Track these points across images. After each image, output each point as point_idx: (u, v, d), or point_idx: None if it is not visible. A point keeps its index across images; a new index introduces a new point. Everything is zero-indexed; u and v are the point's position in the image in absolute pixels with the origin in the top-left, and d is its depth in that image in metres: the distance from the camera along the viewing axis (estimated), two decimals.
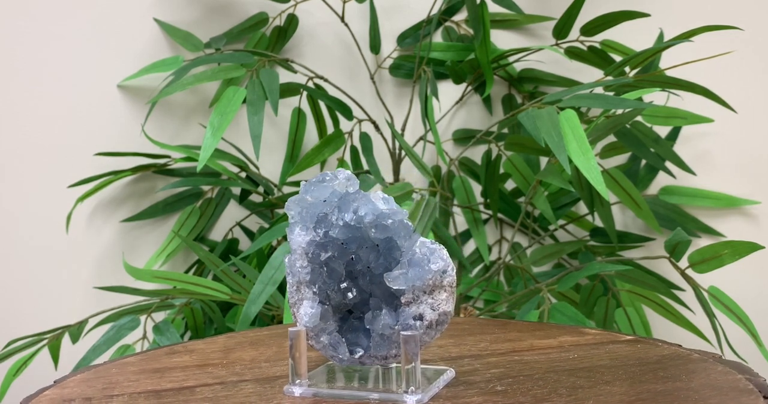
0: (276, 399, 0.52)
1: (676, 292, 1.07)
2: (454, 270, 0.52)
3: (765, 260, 1.06)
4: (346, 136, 1.16)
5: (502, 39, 1.23)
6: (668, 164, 1.15)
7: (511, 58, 1.20)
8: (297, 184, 1.16)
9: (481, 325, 0.71)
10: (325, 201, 0.53)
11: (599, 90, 0.96)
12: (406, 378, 0.51)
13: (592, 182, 0.80)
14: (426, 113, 1.06)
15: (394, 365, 0.55)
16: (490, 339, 0.66)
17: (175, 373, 0.59)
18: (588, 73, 1.19)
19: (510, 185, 1.22)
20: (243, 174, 1.12)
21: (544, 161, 1.21)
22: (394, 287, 0.51)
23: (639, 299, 1.04)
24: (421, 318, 0.51)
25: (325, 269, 0.53)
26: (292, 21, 1.19)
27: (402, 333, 0.51)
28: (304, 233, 0.53)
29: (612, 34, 1.10)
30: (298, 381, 0.53)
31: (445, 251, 0.52)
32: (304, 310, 0.54)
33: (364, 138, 1.15)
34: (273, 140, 1.21)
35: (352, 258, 0.53)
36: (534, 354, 0.60)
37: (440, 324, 0.52)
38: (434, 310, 0.51)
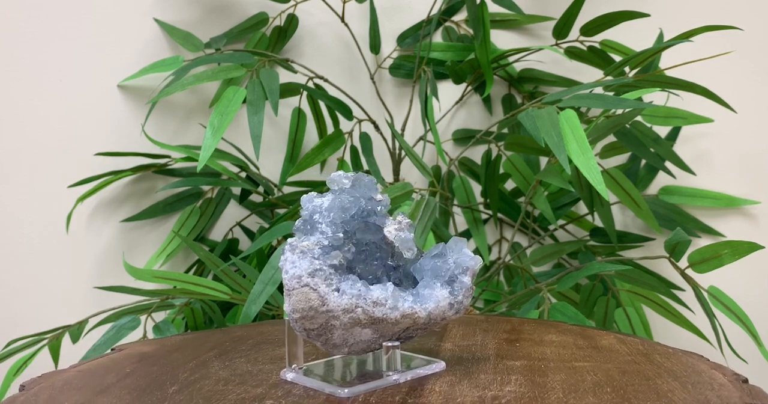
0: None
1: (676, 292, 1.07)
2: (294, 277, 0.53)
3: (765, 260, 1.06)
4: (346, 136, 1.16)
5: (502, 39, 1.23)
6: (668, 164, 1.15)
7: (511, 58, 1.20)
8: (297, 184, 1.16)
9: None
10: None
11: (599, 90, 0.96)
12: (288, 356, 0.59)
13: (592, 182, 0.80)
14: (426, 113, 1.06)
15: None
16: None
17: None
18: (588, 73, 1.19)
19: (510, 185, 1.22)
20: (243, 174, 1.12)
21: (544, 161, 1.21)
22: None
23: (639, 299, 1.04)
24: (293, 311, 0.55)
25: None
26: (292, 21, 1.19)
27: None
28: None
29: (612, 34, 1.10)
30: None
31: (301, 260, 0.54)
32: None
33: (364, 138, 1.15)
34: (273, 140, 1.21)
35: None
36: None
37: (296, 321, 0.55)
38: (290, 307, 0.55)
